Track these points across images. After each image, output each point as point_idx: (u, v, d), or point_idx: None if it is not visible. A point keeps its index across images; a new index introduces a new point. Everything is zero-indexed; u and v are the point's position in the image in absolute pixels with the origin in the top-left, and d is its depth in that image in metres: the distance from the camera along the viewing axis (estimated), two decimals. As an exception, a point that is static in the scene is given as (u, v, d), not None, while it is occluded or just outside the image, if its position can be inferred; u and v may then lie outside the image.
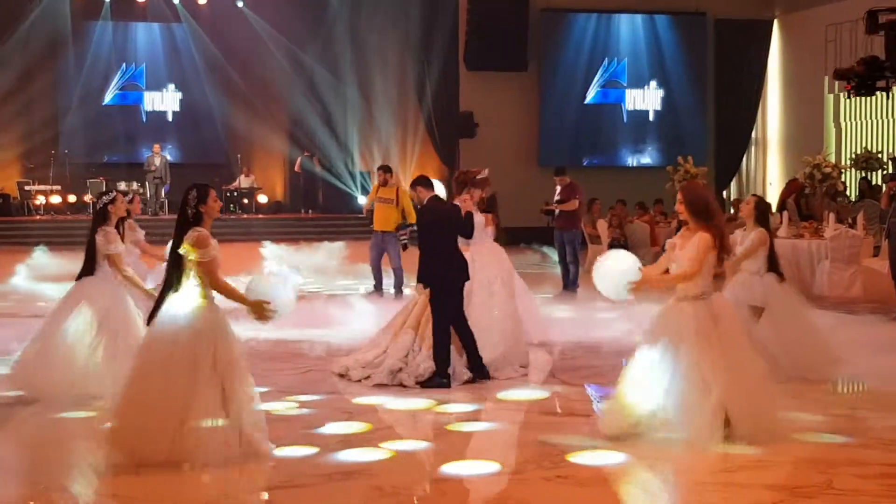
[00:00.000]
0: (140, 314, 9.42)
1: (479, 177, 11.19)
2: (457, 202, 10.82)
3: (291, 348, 12.24)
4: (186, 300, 7.41)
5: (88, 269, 9.61)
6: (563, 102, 31.16)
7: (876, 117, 28.13)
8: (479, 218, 11.17)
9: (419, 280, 10.55)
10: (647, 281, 7.97)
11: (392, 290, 16.79)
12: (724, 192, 31.45)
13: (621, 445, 7.90)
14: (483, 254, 11.18)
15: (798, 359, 10.12)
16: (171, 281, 7.48)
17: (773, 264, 10.42)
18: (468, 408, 9.38)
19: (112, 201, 9.63)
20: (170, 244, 7.62)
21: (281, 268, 8.93)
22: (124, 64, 32.01)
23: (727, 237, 8.19)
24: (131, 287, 9.60)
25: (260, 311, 7.50)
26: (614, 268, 8.00)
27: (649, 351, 8.01)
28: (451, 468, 7.52)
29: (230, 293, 7.53)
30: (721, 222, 8.04)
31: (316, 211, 31.25)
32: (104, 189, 29.05)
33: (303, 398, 9.69)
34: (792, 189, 24.67)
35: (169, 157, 30.21)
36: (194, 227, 7.47)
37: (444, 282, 10.27)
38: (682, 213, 8.05)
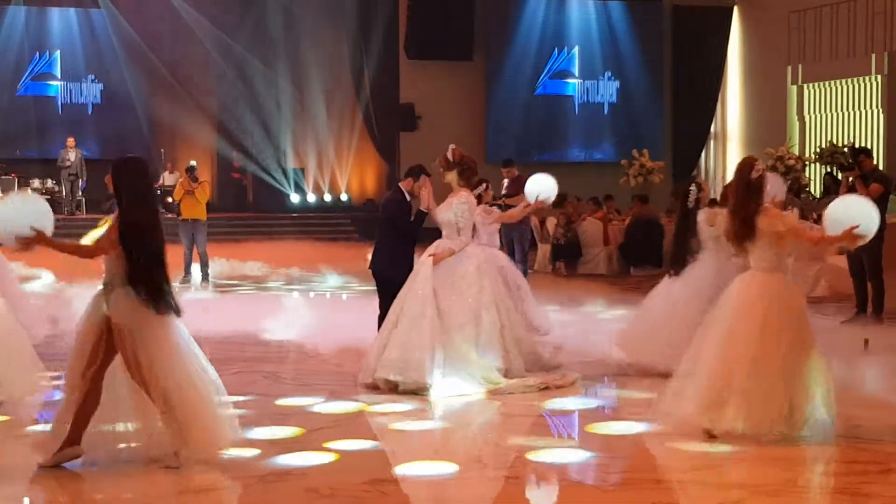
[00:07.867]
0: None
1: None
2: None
3: (218, 349, 12.17)
4: None
5: None
6: (511, 94, 31.25)
7: (841, 110, 28.43)
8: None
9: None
10: None
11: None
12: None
13: (586, 444, 7.93)
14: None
15: None
16: None
17: None
18: (402, 408, 9.41)
19: None
20: None
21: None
22: (38, 52, 31.72)
23: None
24: None
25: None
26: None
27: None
28: (392, 469, 7.57)
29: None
30: None
31: (246, 210, 31.16)
32: (15, 185, 28.87)
33: (233, 399, 9.64)
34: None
35: (85, 152, 29.74)
36: None
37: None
38: None
